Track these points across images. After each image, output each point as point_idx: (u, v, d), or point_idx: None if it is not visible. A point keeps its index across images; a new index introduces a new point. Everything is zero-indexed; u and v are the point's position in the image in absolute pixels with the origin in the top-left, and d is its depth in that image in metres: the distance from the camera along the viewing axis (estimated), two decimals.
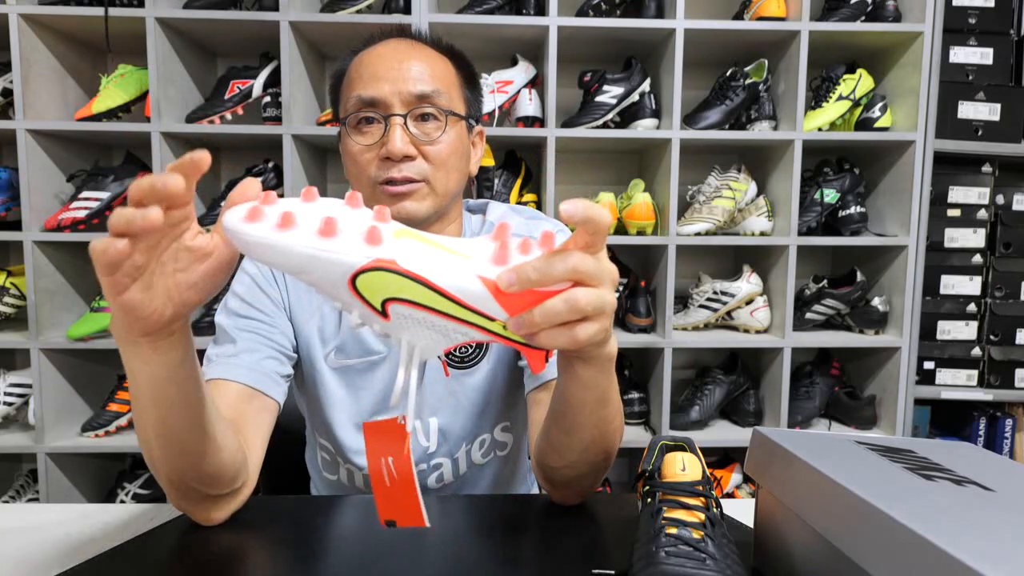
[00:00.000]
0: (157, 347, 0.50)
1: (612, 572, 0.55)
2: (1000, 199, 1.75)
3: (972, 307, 1.75)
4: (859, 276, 1.77)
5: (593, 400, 0.58)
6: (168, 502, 0.65)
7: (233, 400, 0.70)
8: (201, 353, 0.74)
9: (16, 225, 1.58)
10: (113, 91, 1.59)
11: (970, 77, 1.71)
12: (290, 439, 0.94)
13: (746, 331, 1.77)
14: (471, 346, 0.82)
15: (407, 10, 1.61)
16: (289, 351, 0.79)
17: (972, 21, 1.70)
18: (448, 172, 0.78)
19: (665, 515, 0.51)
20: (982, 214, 1.73)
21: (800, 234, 1.68)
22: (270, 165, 1.69)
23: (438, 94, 0.76)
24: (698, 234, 1.68)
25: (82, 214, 1.58)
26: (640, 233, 1.67)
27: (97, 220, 1.60)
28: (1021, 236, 1.73)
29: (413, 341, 0.44)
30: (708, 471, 0.63)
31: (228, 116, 1.63)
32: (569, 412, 0.60)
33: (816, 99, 1.73)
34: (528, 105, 1.67)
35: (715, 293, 1.75)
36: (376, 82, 0.75)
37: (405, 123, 0.75)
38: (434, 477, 0.85)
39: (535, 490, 1.00)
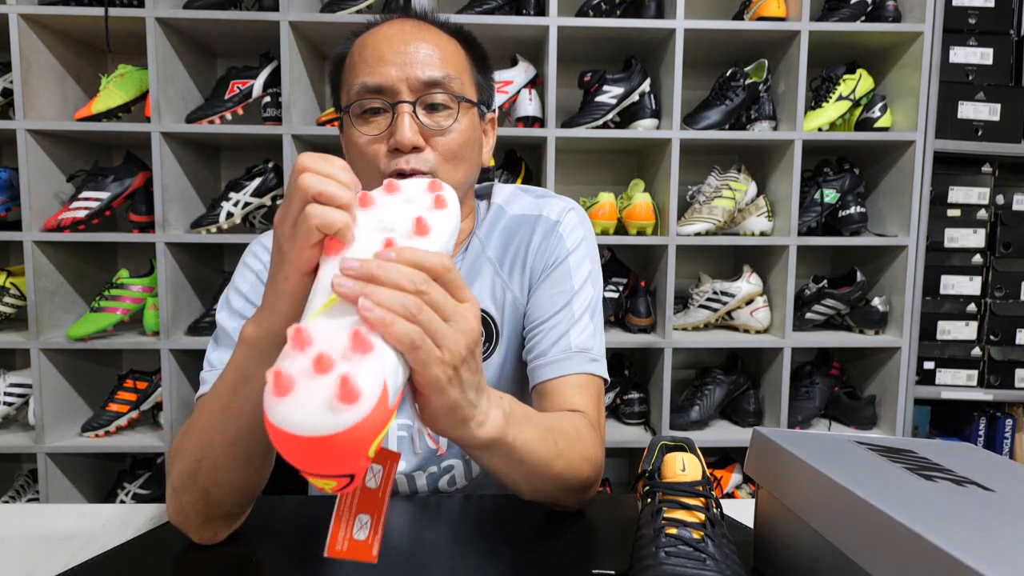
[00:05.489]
0: None
1: (612, 572, 0.55)
2: (1000, 199, 1.74)
3: (972, 307, 1.75)
4: (859, 276, 1.77)
5: (505, 469, 0.57)
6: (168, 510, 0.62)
7: None
8: (201, 353, 0.74)
9: (16, 225, 1.58)
10: (113, 91, 1.59)
11: (970, 77, 1.71)
12: None
13: (746, 331, 1.77)
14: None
15: (407, 10, 1.60)
16: None
17: (972, 21, 1.70)
18: (459, 164, 0.73)
19: (665, 515, 0.51)
20: (982, 214, 1.73)
21: (800, 234, 1.67)
22: (270, 165, 1.69)
23: (449, 80, 0.71)
24: (698, 234, 1.68)
25: (82, 214, 1.57)
26: (640, 233, 1.67)
27: (97, 220, 1.60)
28: (1021, 236, 1.73)
29: None
30: (708, 471, 0.63)
31: (228, 116, 1.62)
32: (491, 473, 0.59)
33: (816, 99, 1.73)
34: (528, 105, 1.67)
35: (715, 293, 1.75)
36: (382, 67, 0.70)
37: (414, 111, 0.69)
38: (446, 480, 0.80)
39: None
